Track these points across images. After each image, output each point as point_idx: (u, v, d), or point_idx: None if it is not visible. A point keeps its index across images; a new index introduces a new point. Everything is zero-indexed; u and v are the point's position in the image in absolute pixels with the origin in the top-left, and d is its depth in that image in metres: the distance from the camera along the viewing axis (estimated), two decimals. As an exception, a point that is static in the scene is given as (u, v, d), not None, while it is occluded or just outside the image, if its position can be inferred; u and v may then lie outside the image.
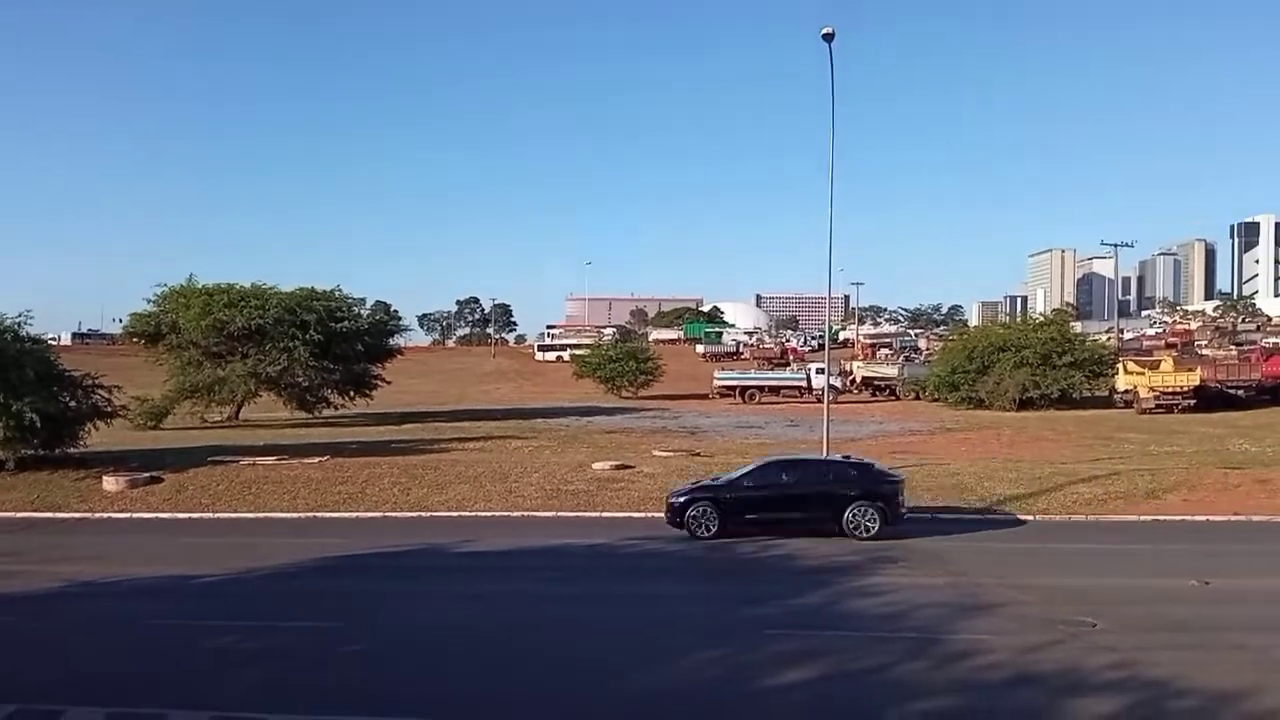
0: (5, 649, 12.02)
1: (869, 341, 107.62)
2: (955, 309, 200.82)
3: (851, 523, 18.71)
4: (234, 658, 11.45)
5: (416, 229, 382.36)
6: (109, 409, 30.11)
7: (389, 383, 53.44)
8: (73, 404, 28.63)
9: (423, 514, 22.73)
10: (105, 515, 23.26)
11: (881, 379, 68.94)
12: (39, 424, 25.92)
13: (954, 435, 38.30)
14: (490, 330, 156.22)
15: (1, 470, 26.36)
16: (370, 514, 22.87)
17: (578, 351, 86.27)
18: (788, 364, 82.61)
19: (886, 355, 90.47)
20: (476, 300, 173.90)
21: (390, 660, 11.29)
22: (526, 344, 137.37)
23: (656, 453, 30.46)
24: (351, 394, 49.81)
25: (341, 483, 25.22)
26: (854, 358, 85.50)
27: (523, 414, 49.65)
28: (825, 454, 23.89)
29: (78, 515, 23.30)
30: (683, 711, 9.34)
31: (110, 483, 25.10)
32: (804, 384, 64.92)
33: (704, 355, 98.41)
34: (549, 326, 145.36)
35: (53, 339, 50.46)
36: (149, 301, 49.56)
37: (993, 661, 11.09)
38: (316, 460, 28.16)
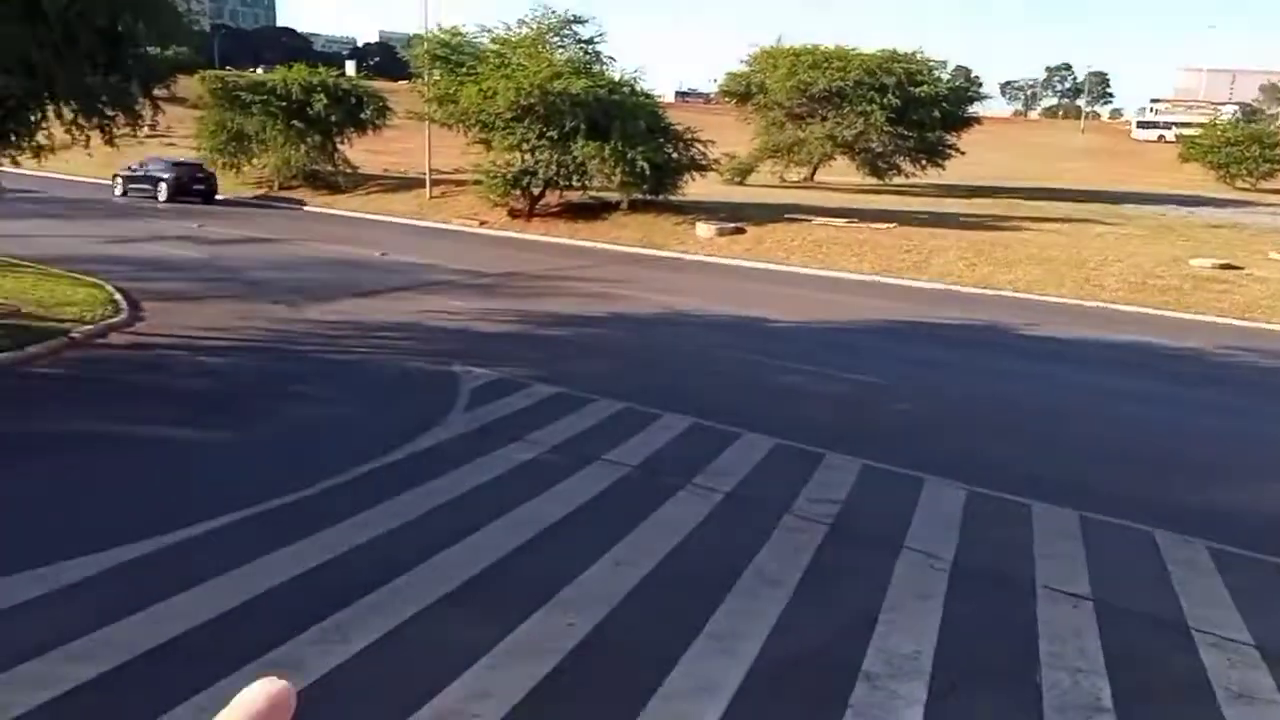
0: (620, 357, 14.28)
1: None
2: None
3: None
4: (795, 395, 12.38)
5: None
6: (704, 162, 32.98)
7: (963, 153, 51.29)
8: (674, 155, 31.72)
9: (986, 291, 22.02)
10: (696, 257, 26.13)
11: None
12: (647, 171, 29.37)
13: None
14: (1081, 102, 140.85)
15: (618, 210, 30.61)
16: (933, 284, 22.73)
17: (1186, 131, 74.54)
18: None
19: None
20: (1069, 67, 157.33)
21: (930, 421, 11.32)
22: (1123, 120, 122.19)
23: (1274, 255, 25.65)
24: (923, 163, 48.85)
25: (907, 251, 25.24)
26: None
27: (1110, 197, 44.76)
28: None
29: (674, 254, 26.47)
30: (1247, 534, 8.04)
31: (703, 229, 27.95)
32: None
33: (1361, 143, 79.06)
34: (1153, 100, 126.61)
35: (659, 95, 55.84)
36: (742, 61, 52.45)
37: None
38: (884, 226, 28.40)
